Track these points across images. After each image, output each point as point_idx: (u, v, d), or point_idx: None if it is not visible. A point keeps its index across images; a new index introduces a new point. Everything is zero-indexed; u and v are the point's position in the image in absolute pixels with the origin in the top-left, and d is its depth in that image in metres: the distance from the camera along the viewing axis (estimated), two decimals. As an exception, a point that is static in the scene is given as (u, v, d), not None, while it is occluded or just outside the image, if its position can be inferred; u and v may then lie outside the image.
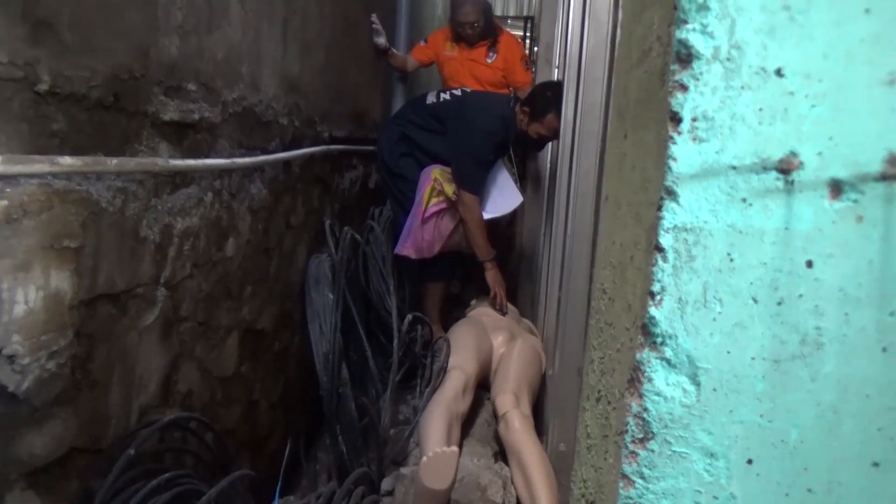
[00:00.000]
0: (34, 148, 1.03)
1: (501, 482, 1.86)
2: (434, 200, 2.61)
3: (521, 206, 2.95)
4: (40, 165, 1.01)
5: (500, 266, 2.81)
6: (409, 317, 2.28)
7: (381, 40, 3.30)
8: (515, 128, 2.57)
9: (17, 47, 0.98)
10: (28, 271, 1.03)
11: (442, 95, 2.79)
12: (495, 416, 2.06)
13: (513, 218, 3.30)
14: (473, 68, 3.36)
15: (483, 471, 1.89)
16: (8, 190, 0.98)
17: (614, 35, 1.42)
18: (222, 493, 1.34)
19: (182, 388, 1.55)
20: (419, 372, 2.32)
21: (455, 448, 1.62)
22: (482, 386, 2.26)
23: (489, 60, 3.34)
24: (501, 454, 2.03)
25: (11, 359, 1.02)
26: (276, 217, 2.06)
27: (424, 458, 1.62)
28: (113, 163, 1.17)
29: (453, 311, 3.08)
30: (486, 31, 3.33)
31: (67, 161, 1.06)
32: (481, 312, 2.61)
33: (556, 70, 2.75)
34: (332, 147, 2.61)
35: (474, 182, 2.60)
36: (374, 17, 3.27)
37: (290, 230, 2.18)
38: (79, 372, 1.18)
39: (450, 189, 2.61)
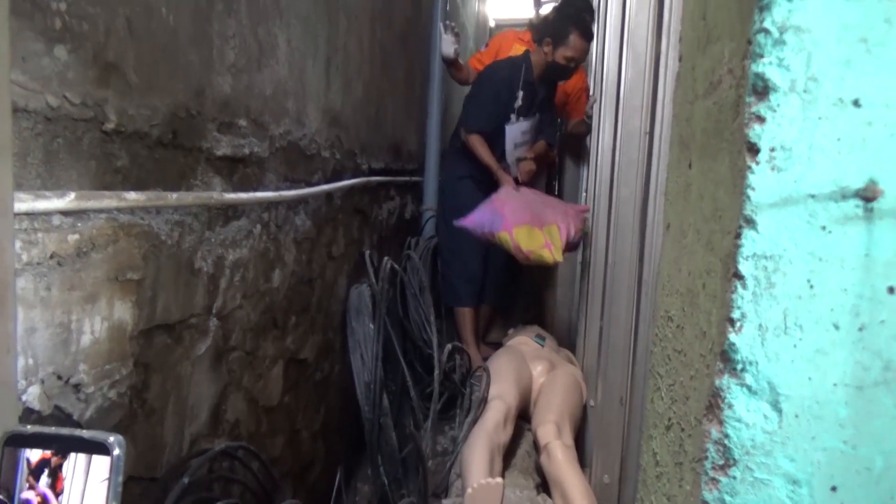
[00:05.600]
0: (101, 184, 1.07)
1: (545, 514, 1.84)
2: (527, 244, 2.34)
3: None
4: (109, 201, 1.05)
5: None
6: (449, 346, 2.28)
7: (457, 48, 3.05)
8: (530, 69, 2.71)
9: (87, 89, 1.03)
10: (95, 303, 1.07)
11: None
12: (536, 446, 2.04)
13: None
14: None
15: (525, 502, 1.87)
16: (79, 224, 1.02)
17: (656, 66, 1.44)
18: (271, 522, 1.36)
19: (230, 418, 1.57)
20: (458, 402, 2.31)
21: (500, 479, 1.61)
22: (522, 416, 2.24)
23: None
24: (544, 486, 2.00)
25: (77, 387, 1.06)
26: (319, 248, 2.09)
27: (469, 490, 1.60)
28: (173, 197, 1.22)
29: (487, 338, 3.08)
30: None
31: (133, 196, 1.11)
32: (520, 342, 2.59)
33: (592, 98, 2.76)
34: (371, 178, 2.66)
35: (475, 117, 2.80)
36: (448, 23, 3.04)
37: (331, 260, 2.22)
38: (136, 401, 1.21)
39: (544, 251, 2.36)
